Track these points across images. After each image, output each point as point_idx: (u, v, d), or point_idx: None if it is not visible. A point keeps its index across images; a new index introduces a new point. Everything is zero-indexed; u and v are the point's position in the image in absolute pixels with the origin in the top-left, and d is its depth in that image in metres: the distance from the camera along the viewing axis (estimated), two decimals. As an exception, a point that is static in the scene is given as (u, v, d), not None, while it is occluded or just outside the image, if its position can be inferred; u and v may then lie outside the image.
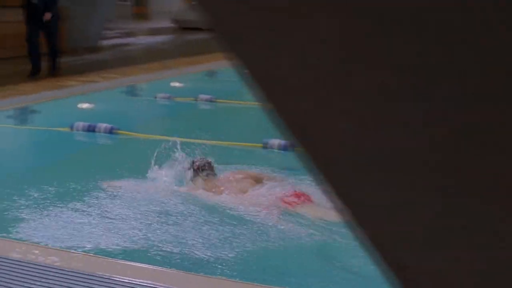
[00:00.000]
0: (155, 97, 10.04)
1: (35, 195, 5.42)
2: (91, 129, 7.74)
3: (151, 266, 3.93)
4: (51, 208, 5.13)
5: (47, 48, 12.54)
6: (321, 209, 4.95)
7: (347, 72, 0.50)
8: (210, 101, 9.82)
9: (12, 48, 15.65)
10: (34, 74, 12.22)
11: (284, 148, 6.99)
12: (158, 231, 4.64)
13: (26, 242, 4.41)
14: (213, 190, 5.44)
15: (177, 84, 11.65)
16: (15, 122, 8.92)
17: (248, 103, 9.90)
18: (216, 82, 12.94)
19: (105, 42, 18.95)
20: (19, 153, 7.05)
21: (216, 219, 4.88)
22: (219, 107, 9.87)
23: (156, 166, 5.76)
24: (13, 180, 6.06)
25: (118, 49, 18.25)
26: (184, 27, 25.80)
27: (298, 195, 5.27)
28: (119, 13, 27.27)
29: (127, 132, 7.69)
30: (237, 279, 3.86)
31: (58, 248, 4.29)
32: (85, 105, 9.78)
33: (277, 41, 0.51)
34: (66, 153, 7.09)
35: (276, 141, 7.07)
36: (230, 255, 4.28)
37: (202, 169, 5.63)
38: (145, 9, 33.54)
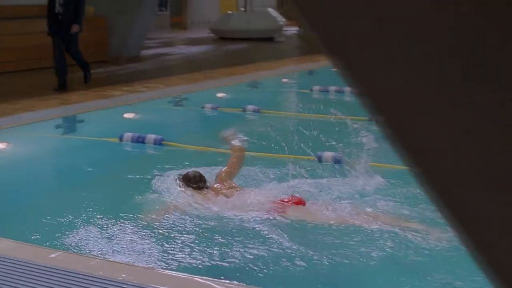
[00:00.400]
0: (202, 107, 9.97)
1: (86, 205, 5.37)
2: (140, 140, 7.68)
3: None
4: (102, 220, 5.07)
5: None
6: (311, 212, 5.15)
7: (473, 88, 0.47)
8: (257, 111, 9.73)
9: (48, 59, 15.72)
10: (59, 89, 11.68)
11: (337, 161, 6.87)
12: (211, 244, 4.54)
13: (83, 254, 4.34)
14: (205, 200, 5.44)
15: (221, 94, 11.59)
16: (63, 131, 8.91)
17: (296, 114, 9.82)
18: (259, 92, 12.88)
19: (146, 52, 18.99)
20: (69, 163, 6.99)
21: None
22: (265, 117, 9.76)
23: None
24: (65, 190, 6.02)
25: (159, 59, 18.26)
26: (222, 37, 25.83)
27: (289, 200, 5.36)
28: (158, 22, 27.33)
29: (175, 144, 7.61)
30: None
31: (112, 260, 4.23)
32: (131, 115, 9.75)
33: (395, 53, 0.50)
34: (116, 164, 7.04)
35: (329, 154, 6.94)
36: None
37: (194, 182, 5.64)
38: (183, 19, 33.59)
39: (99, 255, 4.41)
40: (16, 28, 15.10)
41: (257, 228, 4.89)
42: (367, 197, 5.69)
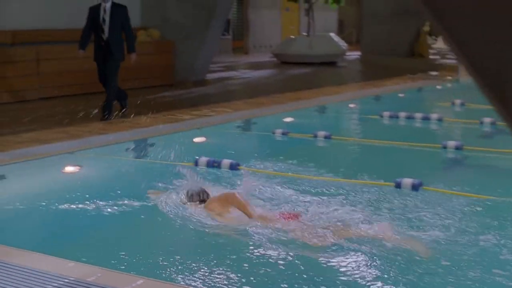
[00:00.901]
0: (273, 133, 9.88)
1: (160, 229, 5.30)
2: (215, 165, 7.61)
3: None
4: (176, 244, 5.00)
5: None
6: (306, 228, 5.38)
7: None
8: (328, 137, 9.60)
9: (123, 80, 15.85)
10: (104, 118, 11.11)
11: (415, 188, 6.70)
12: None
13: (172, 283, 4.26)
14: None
15: (289, 119, 11.49)
16: (135, 155, 8.90)
17: (368, 140, 9.66)
18: (328, 118, 12.76)
19: (210, 76, 19.05)
20: (143, 186, 6.93)
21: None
22: (337, 144, 9.63)
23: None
24: (139, 214, 5.96)
25: (224, 83, 18.29)
26: (284, 61, 25.81)
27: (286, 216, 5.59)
28: (220, 46, 27.48)
29: (251, 169, 7.52)
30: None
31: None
32: (201, 139, 9.71)
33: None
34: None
35: (408, 180, 6.77)
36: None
37: (196, 198, 5.99)
38: (244, 43, 33.70)
39: (175, 280, 4.33)
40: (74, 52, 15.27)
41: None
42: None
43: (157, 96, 14.54)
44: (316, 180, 7.05)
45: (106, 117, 11.09)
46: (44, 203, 6.25)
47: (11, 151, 8.45)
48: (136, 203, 6.19)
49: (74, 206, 6.14)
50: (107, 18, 11.20)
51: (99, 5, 11.36)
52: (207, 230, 5.44)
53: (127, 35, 11.43)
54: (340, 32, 37.99)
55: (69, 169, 7.62)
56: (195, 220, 5.66)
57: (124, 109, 11.67)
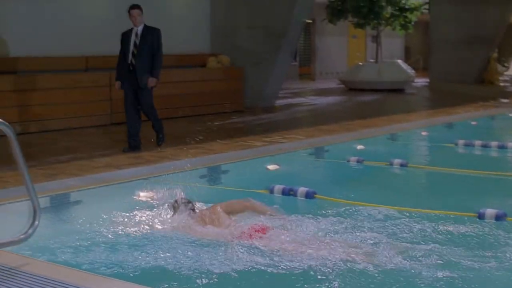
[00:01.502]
0: (348, 161, 9.72)
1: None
2: (291, 193, 7.49)
3: None
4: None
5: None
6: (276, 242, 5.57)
7: None
8: (405, 165, 9.39)
9: (187, 107, 15.92)
10: (128, 150, 10.50)
11: (499, 218, 6.47)
12: None
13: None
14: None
15: (361, 147, 11.31)
16: (209, 181, 8.83)
17: (445, 169, 9.43)
18: (401, 145, 12.53)
19: (278, 102, 19.00)
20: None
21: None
22: (414, 172, 9.42)
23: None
24: (210, 245, 5.86)
25: (293, 109, 18.22)
26: (351, 88, 25.66)
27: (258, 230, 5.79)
28: (287, 73, 27.50)
29: (328, 198, 7.38)
30: None
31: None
32: (274, 167, 9.61)
33: None
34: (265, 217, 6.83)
35: (492, 211, 6.54)
36: None
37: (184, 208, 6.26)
38: (311, 70, 33.69)
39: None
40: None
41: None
42: None
43: (227, 122, 14.54)
44: (394, 210, 6.86)
45: (160, 142, 10.92)
46: (119, 229, 6.21)
47: (87, 175, 8.48)
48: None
49: (148, 233, 6.09)
50: (138, 42, 10.61)
51: (132, 29, 10.76)
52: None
53: (155, 59, 10.67)
54: (406, 58, 37.67)
55: (143, 195, 7.57)
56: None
57: (160, 141, 10.97)
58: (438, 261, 5.23)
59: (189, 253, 5.41)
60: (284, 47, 17.24)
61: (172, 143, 11.20)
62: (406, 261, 5.21)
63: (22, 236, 4.37)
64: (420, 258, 5.28)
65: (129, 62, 10.58)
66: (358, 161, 9.70)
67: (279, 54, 17.28)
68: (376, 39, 28.46)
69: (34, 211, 4.40)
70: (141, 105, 10.74)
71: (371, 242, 5.76)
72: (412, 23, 27.08)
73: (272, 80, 17.48)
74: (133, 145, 10.62)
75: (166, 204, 6.47)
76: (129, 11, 10.69)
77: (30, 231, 4.35)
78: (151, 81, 10.59)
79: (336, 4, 26.26)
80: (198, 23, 17.86)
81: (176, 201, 6.42)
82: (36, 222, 4.40)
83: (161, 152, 10.30)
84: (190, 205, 6.39)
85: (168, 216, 6.33)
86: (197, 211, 6.39)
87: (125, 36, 10.74)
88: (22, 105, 12.73)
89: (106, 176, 8.53)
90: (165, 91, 15.31)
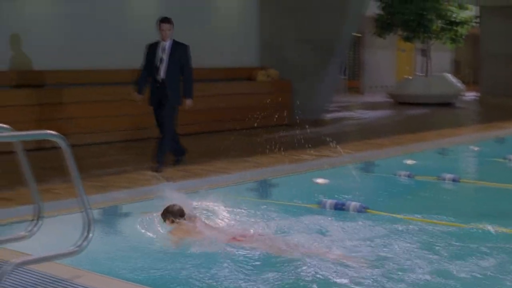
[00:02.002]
0: (395, 175, 9.64)
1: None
2: (340, 207, 7.45)
3: None
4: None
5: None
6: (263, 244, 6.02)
7: None
8: (456, 181, 9.27)
9: (235, 121, 15.94)
10: (157, 169, 9.77)
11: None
12: None
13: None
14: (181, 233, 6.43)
15: (411, 161, 11.22)
16: (257, 195, 8.82)
17: (499, 184, 9.28)
18: (451, 160, 12.38)
19: (327, 116, 18.94)
20: (274, 228, 6.81)
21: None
22: (466, 187, 9.30)
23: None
24: (260, 256, 5.83)
25: (342, 123, 18.13)
26: (400, 102, 25.47)
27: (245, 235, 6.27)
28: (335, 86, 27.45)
29: (379, 212, 7.31)
30: None
31: None
32: (323, 181, 9.57)
33: None
34: (317, 231, 6.79)
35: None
36: None
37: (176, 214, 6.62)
38: (359, 83, 33.56)
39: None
40: (200, 89, 15.44)
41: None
42: None
43: (276, 135, 14.50)
44: (448, 226, 6.77)
45: (157, 169, 9.76)
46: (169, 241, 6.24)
47: (137, 188, 8.53)
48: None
49: (199, 245, 6.09)
50: (165, 58, 10.04)
51: (158, 42, 10.18)
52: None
53: (185, 77, 10.16)
54: (456, 72, 37.30)
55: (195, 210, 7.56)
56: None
57: (160, 165, 9.96)
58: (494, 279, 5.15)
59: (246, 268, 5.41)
60: (333, 60, 17.20)
61: (220, 156, 11.23)
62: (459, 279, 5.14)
63: (75, 248, 4.40)
64: (475, 275, 5.21)
65: (155, 77, 10.05)
66: (408, 176, 9.62)
67: (328, 68, 17.24)
68: (425, 52, 28.24)
69: (87, 223, 4.43)
70: (162, 116, 10.08)
71: (422, 256, 5.71)
72: (463, 37, 26.80)
73: (321, 93, 17.44)
74: (179, 157, 10.42)
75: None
76: (159, 24, 10.13)
77: (84, 243, 4.38)
78: (188, 104, 10.16)
79: (385, 18, 26.12)
80: (247, 36, 17.91)
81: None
82: (90, 235, 4.43)
83: (211, 165, 10.32)
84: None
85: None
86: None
87: (151, 49, 10.20)
88: (58, 118, 12.85)
89: (155, 189, 8.56)
90: (213, 104, 15.40)
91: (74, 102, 13.14)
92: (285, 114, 16.87)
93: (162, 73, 10.01)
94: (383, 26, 26.37)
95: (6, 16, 13.14)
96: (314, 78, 17.23)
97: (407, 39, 26.78)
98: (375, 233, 6.51)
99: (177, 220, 6.58)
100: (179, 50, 10.11)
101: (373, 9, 25.26)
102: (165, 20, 10.13)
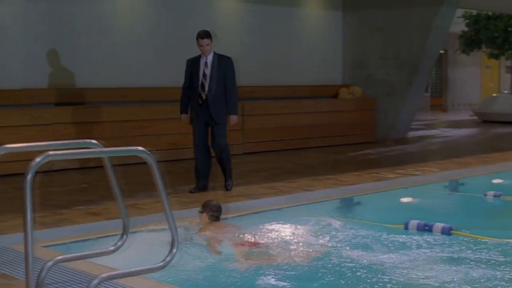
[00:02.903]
0: (484, 195, 9.48)
1: None
2: (426, 228, 7.34)
3: None
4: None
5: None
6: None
7: None
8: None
9: (318, 138, 15.95)
10: (195, 191, 9.44)
11: None
12: None
13: None
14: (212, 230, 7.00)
15: (498, 181, 11.00)
16: (342, 214, 8.81)
17: None
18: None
19: (410, 133, 18.77)
20: (354, 251, 6.78)
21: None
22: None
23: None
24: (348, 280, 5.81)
25: (425, 141, 17.93)
26: (485, 120, 25.03)
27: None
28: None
29: (465, 234, 7.18)
30: None
31: None
32: (408, 200, 9.48)
33: None
34: (403, 253, 6.71)
35: None
36: None
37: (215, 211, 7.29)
38: (443, 101, 33.13)
39: None
40: (286, 107, 15.52)
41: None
42: None
43: (359, 153, 14.48)
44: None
45: (229, 187, 9.62)
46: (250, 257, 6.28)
47: (222, 204, 8.60)
48: (352, 266, 6.06)
49: (287, 262, 6.12)
50: (208, 72, 9.39)
51: (199, 56, 9.52)
52: None
53: (229, 92, 9.46)
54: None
55: (275, 227, 7.57)
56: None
57: (229, 185, 9.70)
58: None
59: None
60: (417, 78, 17.05)
61: (304, 174, 11.26)
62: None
63: (160, 264, 4.48)
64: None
65: (199, 94, 9.40)
66: (495, 195, 9.43)
67: (412, 85, 17.10)
68: (511, 69, 27.71)
69: (172, 238, 4.50)
70: (215, 144, 9.54)
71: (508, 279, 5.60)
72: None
73: (404, 111, 17.30)
74: (201, 186, 9.59)
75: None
76: (197, 40, 9.39)
77: (168, 258, 4.45)
78: (234, 120, 9.51)
79: (469, 35, 25.81)
80: (331, 54, 17.95)
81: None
82: (174, 250, 4.50)
83: (295, 182, 10.36)
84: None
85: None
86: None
87: (194, 65, 9.53)
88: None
89: (241, 205, 8.65)
90: (297, 122, 15.47)
91: (117, 120, 12.91)
92: (368, 131, 16.84)
93: (207, 89, 9.37)
94: (468, 42, 26.05)
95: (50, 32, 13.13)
96: (398, 96, 17.12)
97: (492, 56, 26.35)
98: (460, 255, 6.41)
99: (211, 214, 7.22)
100: (224, 63, 9.48)
101: (458, 25, 24.96)
102: (203, 35, 9.36)
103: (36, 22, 12.86)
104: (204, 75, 9.38)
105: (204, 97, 9.35)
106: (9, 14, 12.65)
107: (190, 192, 9.37)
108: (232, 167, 9.78)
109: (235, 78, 9.55)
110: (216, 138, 9.48)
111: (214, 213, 7.24)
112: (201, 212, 7.27)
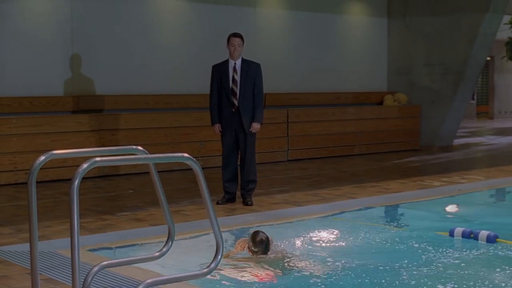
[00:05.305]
0: (531, 204, 9.37)
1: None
2: (470, 236, 7.27)
3: None
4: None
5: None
6: None
7: None
8: None
9: (363, 145, 15.90)
10: (222, 203, 9.16)
11: None
12: None
13: None
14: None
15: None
16: (386, 221, 8.76)
17: None
18: None
19: (455, 141, 18.58)
20: (403, 260, 6.73)
21: None
22: None
23: None
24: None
25: (471, 149, 17.74)
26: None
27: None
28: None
29: (509, 242, 7.09)
30: None
31: None
32: (453, 208, 9.41)
33: None
34: (446, 261, 6.65)
35: None
36: None
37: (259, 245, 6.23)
38: (490, 108, 32.74)
39: None
40: (331, 114, 15.50)
41: None
42: None
43: (404, 160, 14.40)
44: None
45: (250, 202, 9.19)
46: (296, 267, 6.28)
47: (266, 211, 8.64)
48: (385, 273, 6.03)
49: (328, 269, 6.10)
50: (238, 78, 9.01)
51: (226, 62, 9.15)
52: None
53: (256, 99, 9.09)
54: None
55: (322, 235, 7.56)
56: None
57: (249, 201, 9.26)
58: None
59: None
60: (463, 85, 16.88)
61: (348, 181, 11.24)
62: None
63: (205, 270, 4.50)
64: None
65: (231, 102, 9.02)
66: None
67: (457, 93, 16.93)
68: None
69: (217, 245, 4.52)
70: (244, 152, 9.16)
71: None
72: None
73: (449, 118, 17.14)
74: (229, 197, 9.29)
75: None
76: (228, 39, 9.13)
77: (213, 265, 4.47)
78: (256, 128, 9.10)
79: (516, 41, 25.47)
80: (376, 60, 17.86)
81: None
82: (219, 256, 4.52)
83: (339, 189, 10.34)
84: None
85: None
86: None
87: (221, 71, 9.13)
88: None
89: (285, 212, 8.66)
90: (341, 129, 15.44)
91: (163, 127, 12.95)
92: (413, 139, 16.73)
93: (238, 96, 9.00)
94: (514, 49, 25.69)
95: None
96: (442, 103, 16.96)
97: (539, 63, 25.98)
98: (505, 264, 6.33)
99: (252, 250, 6.27)
100: (252, 69, 9.09)
101: (505, 32, 24.65)
102: (237, 34, 9.13)
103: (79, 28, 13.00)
104: (234, 80, 9.01)
105: (236, 104, 9.00)
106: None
107: (217, 203, 9.00)
108: (255, 183, 9.36)
109: (263, 85, 9.22)
110: (247, 147, 9.12)
111: (253, 248, 6.30)
112: (249, 248, 6.35)
